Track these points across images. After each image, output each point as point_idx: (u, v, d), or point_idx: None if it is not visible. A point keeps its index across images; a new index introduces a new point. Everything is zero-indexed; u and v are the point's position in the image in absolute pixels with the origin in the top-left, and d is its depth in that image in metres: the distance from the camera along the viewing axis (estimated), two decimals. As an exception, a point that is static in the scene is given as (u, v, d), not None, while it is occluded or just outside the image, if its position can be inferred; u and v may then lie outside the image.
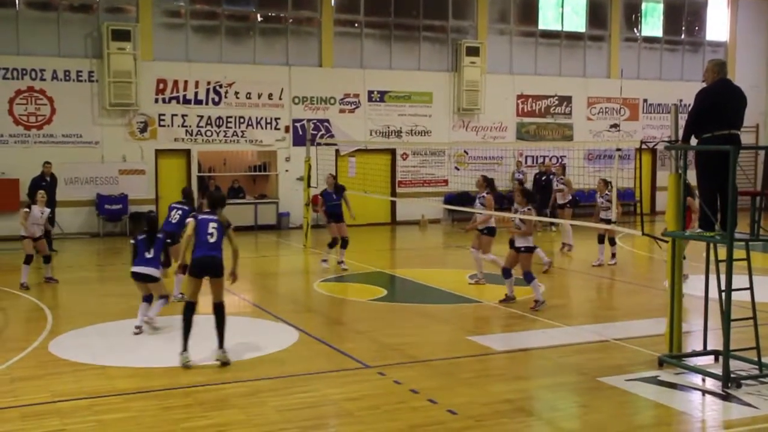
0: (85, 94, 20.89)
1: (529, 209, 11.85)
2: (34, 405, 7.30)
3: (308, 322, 10.72)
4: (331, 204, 15.53)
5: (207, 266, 8.78)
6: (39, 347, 9.42)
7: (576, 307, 12.39)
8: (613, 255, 15.39)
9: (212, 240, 8.81)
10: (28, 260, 13.24)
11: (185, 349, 8.60)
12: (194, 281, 8.84)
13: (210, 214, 9.00)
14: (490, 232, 13.18)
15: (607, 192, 15.09)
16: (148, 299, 10.32)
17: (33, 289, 13.16)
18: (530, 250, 11.70)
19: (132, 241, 10.51)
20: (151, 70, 21.41)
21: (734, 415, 7.16)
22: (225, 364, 8.57)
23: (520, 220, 11.72)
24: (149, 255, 10.27)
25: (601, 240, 15.47)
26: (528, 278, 11.55)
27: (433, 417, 6.93)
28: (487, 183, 13.44)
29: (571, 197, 17.69)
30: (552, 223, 21.37)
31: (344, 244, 15.30)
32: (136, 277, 10.32)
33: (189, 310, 8.75)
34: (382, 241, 21.26)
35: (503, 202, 24.75)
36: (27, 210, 13.36)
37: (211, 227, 8.85)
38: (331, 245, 15.39)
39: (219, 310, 8.81)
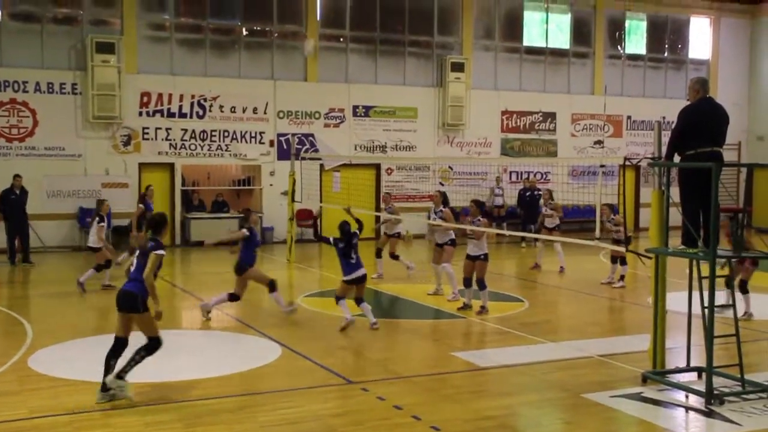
0: (69, 106, 20.81)
1: (479, 220, 12.58)
2: (11, 422, 7.21)
3: (291, 337, 10.67)
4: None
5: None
6: (18, 362, 9.33)
7: (560, 323, 12.42)
8: (622, 277, 15.27)
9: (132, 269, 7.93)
10: None
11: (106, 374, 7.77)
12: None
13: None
14: (452, 243, 13.81)
15: (612, 216, 15.17)
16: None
17: (13, 302, 13.04)
18: (487, 257, 12.44)
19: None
20: (136, 82, 21.36)
21: (717, 431, 7.18)
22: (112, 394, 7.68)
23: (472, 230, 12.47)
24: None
25: (614, 260, 15.45)
26: (482, 286, 12.27)
27: (417, 433, 6.91)
28: (443, 198, 14.28)
29: (559, 221, 17.71)
30: (523, 239, 21.51)
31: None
32: None
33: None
34: (367, 256, 21.18)
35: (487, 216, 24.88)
36: None
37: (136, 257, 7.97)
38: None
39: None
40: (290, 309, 12.10)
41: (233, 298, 12.01)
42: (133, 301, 7.77)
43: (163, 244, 7.97)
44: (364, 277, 11.24)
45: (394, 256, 16.09)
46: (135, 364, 7.72)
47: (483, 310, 12.29)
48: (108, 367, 7.73)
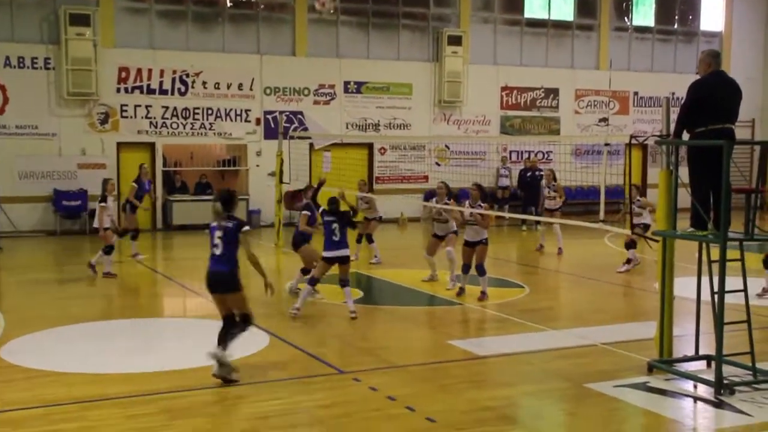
0: (41, 82, 20.70)
1: (480, 205, 12.62)
2: (-16, 414, 7.22)
3: (280, 326, 10.69)
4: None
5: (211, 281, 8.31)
6: (-10, 352, 9.32)
7: (562, 310, 12.47)
8: (629, 261, 15.21)
9: (218, 252, 8.28)
10: None
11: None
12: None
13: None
14: (455, 233, 13.85)
15: (638, 198, 15.14)
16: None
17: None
18: (487, 242, 12.55)
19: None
20: (113, 57, 21.25)
21: (727, 423, 7.23)
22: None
23: (479, 215, 12.43)
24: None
25: (630, 246, 15.29)
26: (482, 271, 12.36)
27: (411, 425, 6.94)
28: (448, 190, 14.05)
29: (561, 203, 17.82)
30: (524, 222, 21.56)
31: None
32: None
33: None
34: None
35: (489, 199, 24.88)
36: None
37: (217, 236, 8.29)
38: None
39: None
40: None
41: (305, 272, 12.38)
42: (228, 281, 8.23)
43: (241, 219, 8.56)
44: (346, 258, 11.24)
45: (370, 239, 16.24)
46: (232, 341, 8.22)
47: (483, 296, 12.34)
48: (223, 343, 8.18)
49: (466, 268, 12.64)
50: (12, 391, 7.91)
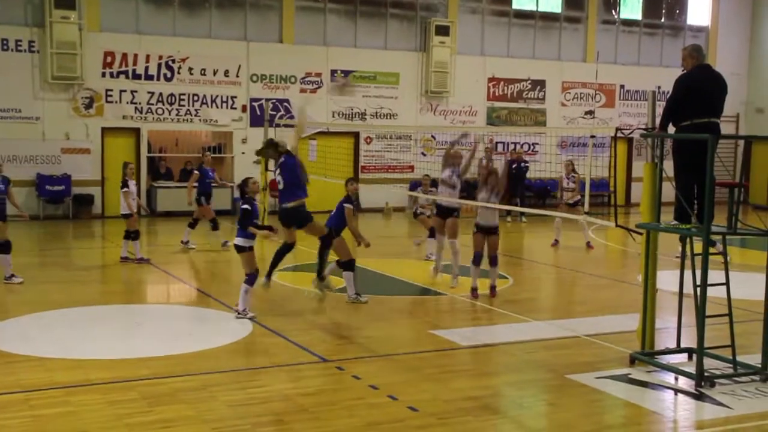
0: (25, 65, 20.54)
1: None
2: (-36, 398, 7.17)
3: (263, 314, 10.67)
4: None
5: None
6: (-29, 337, 9.26)
7: (545, 301, 12.51)
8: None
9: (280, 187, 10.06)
10: None
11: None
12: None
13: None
14: (458, 214, 13.35)
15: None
16: None
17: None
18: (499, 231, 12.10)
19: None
20: (98, 41, 21.10)
21: (707, 415, 7.28)
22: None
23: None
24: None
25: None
26: (496, 262, 11.90)
27: (393, 414, 6.95)
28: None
29: (580, 197, 17.24)
30: (508, 213, 21.45)
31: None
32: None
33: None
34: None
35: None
36: None
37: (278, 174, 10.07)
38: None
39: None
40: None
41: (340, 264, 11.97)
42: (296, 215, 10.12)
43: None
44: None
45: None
46: (324, 261, 10.14)
47: (493, 291, 11.84)
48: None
49: (478, 258, 11.80)
50: (-7, 375, 7.87)
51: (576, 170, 17.54)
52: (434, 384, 7.86)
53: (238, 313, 10.25)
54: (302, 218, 10.28)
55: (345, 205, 11.43)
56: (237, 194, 22.05)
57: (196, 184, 16.25)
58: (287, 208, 10.36)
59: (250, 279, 10.35)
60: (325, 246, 10.99)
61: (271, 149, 10.71)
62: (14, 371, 8.00)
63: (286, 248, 10.55)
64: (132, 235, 14.47)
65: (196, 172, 16.45)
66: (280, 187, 9.94)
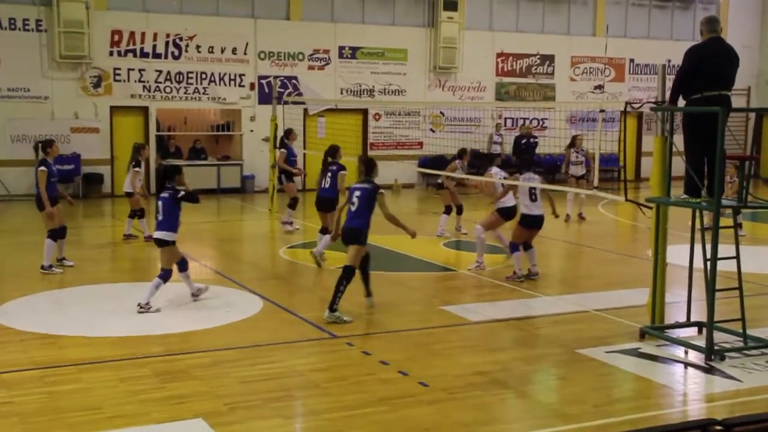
0: (33, 44, 20.54)
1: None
2: (-22, 376, 7.24)
3: (273, 290, 10.73)
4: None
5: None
6: (-16, 315, 9.34)
7: (555, 277, 12.50)
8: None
9: (353, 208, 9.49)
10: None
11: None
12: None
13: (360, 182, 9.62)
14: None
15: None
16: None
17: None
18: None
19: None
20: (106, 19, 21.08)
21: (717, 388, 7.29)
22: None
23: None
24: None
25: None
26: (530, 246, 11.60)
27: (404, 389, 6.99)
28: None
29: (585, 170, 17.55)
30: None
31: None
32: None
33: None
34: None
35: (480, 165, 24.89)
36: None
37: (355, 196, 9.50)
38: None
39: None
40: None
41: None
42: (357, 235, 9.38)
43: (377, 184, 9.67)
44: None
45: None
46: (341, 294, 9.15)
47: (534, 273, 11.58)
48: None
49: (516, 247, 11.53)
50: (6, 353, 7.94)
51: (582, 144, 17.69)
52: (444, 359, 7.89)
53: (141, 307, 9.45)
54: (361, 240, 9.57)
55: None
56: (246, 172, 22.21)
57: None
58: (353, 228, 9.54)
59: (166, 275, 9.67)
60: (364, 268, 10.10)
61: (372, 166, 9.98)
62: (27, 349, 8.07)
63: (364, 260, 9.77)
64: (138, 214, 14.50)
65: (282, 150, 16.15)
66: (353, 208, 9.55)
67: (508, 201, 12.00)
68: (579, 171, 17.50)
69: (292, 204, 15.83)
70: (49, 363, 7.62)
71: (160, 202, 9.74)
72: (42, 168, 11.66)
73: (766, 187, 11.84)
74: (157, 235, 9.77)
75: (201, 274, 12.18)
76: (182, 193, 9.74)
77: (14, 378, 7.19)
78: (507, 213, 12.03)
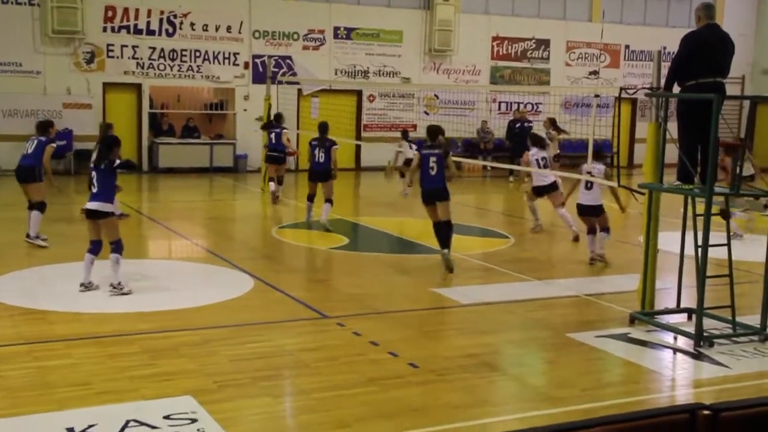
0: (25, 18, 20.38)
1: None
2: (-33, 350, 7.22)
3: (264, 270, 10.71)
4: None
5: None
6: (-27, 290, 9.30)
7: (546, 261, 12.53)
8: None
9: (433, 173, 10.61)
10: None
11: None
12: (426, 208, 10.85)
13: (431, 148, 10.77)
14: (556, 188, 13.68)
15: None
16: None
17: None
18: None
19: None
20: (99, -5, 20.92)
21: (705, 374, 7.32)
22: (449, 268, 10.54)
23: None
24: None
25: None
26: (607, 229, 11.83)
27: (393, 370, 6.99)
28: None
29: (554, 155, 17.61)
30: (511, 173, 21.58)
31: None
32: None
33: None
34: (346, 188, 21.20)
35: (473, 150, 24.82)
36: None
37: (432, 161, 10.62)
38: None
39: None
40: None
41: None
42: (446, 193, 10.71)
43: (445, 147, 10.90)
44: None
45: None
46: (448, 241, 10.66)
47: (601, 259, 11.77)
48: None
49: (592, 230, 11.81)
50: (-5, 328, 7.91)
51: (558, 128, 18.10)
52: (434, 341, 7.90)
53: (113, 287, 9.13)
54: (449, 196, 10.79)
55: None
56: (239, 151, 22.11)
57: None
58: (440, 188, 10.72)
59: (117, 247, 9.20)
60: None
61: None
62: (16, 324, 8.04)
63: (437, 226, 10.79)
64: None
65: (287, 129, 17.33)
66: (432, 172, 10.67)
67: (546, 179, 13.51)
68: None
69: (281, 180, 16.91)
70: (38, 338, 7.60)
71: (95, 173, 9.31)
72: (53, 144, 12.32)
73: (759, 175, 11.85)
74: (93, 206, 9.20)
75: (192, 253, 12.17)
76: (118, 161, 9.40)
77: (3, 353, 7.17)
78: (537, 190, 13.73)
